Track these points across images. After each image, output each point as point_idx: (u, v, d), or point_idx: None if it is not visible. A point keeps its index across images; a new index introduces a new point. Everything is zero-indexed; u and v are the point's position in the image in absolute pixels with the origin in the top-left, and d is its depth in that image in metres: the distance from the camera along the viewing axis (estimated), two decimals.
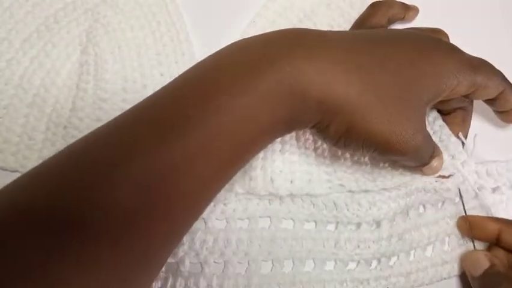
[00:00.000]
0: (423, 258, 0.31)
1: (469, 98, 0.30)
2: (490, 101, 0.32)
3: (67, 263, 0.19)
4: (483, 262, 0.29)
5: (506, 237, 0.29)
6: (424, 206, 0.32)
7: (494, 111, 0.33)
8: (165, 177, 0.21)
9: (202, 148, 0.22)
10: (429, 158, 0.29)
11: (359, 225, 0.31)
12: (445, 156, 0.31)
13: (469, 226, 0.30)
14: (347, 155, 0.32)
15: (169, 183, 0.21)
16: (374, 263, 0.31)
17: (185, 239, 0.31)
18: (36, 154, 0.32)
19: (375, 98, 0.25)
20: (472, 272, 0.29)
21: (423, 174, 0.31)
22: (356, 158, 0.32)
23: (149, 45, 0.35)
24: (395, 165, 0.32)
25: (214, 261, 0.31)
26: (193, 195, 0.23)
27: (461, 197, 0.31)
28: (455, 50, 0.29)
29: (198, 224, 0.32)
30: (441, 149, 0.31)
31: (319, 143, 0.33)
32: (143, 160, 0.21)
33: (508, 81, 0.30)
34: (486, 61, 0.29)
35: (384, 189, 0.31)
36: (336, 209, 0.30)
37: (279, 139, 0.31)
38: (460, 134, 0.32)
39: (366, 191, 0.31)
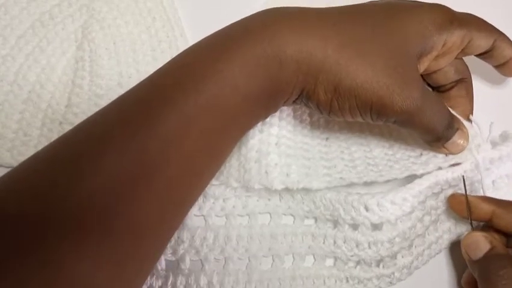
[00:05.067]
0: (422, 243, 0.31)
1: (465, 53, 0.30)
2: (486, 56, 0.31)
3: (59, 243, 0.19)
4: (483, 244, 0.27)
5: (498, 221, 0.28)
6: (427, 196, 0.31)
7: (494, 67, 0.32)
8: (149, 152, 0.22)
9: (187, 119, 0.22)
10: (446, 129, 0.27)
11: (355, 226, 0.30)
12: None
13: (468, 206, 0.29)
14: (353, 148, 0.32)
15: (153, 156, 0.22)
16: (376, 263, 0.30)
17: (185, 236, 0.31)
18: (32, 150, 0.32)
19: (356, 50, 0.25)
20: (471, 255, 0.27)
21: (450, 153, 0.29)
22: (358, 154, 0.31)
23: (144, 41, 0.35)
24: (405, 152, 0.31)
25: (215, 258, 0.31)
26: (177, 166, 0.22)
27: (464, 181, 0.29)
28: (442, 5, 0.28)
29: (198, 222, 0.31)
30: None
31: (318, 140, 0.32)
32: (127, 144, 0.21)
33: (498, 30, 0.30)
34: (473, 14, 0.29)
35: (384, 193, 0.29)
36: (333, 208, 0.30)
37: (276, 132, 0.31)
38: (471, 116, 0.31)
39: (364, 189, 0.30)
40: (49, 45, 0.34)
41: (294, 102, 0.27)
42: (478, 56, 0.31)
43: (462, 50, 0.29)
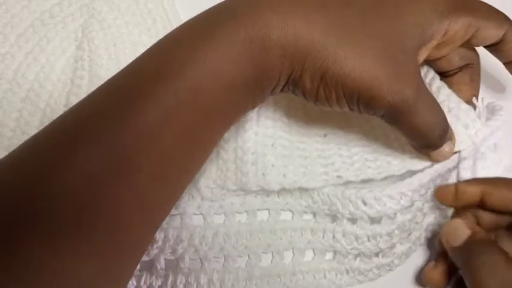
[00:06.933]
0: (419, 227, 0.31)
1: (471, 44, 0.28)
2: (494, 49, 0.29)
3: (32, 237, 0.19)
4: (463, 231, 0.26)
5: (489, 199, 0.27)
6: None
7: (504, 64, 0.30)
8: (128, 144, 0.21)
9: (166, 111, 0.21)
10: (441, 138, 0.26)
11: (354, 220, 0.30)
12: (458, 127, 0.28)
13: (456, 194, 0.28)
14: (351, 143, 0.31)
15: (132, 151, 0.21)
16: (375, 254, 0.30)
17: (184, 235, 0.30)
18: None
19: (344, 35, 0.23)
20: (452, 242, 0.26)
21: (432, 160, 0.28)
22: (356, 150, 0.31)
23: (144, 42, 0.35)
24: (403, 146, 0.30)
25: (214, 256, 0.30)
26: (158, 162, 0.21)
27: (458, 163, 0.29)
28: None
29: (197, 220, 0.31)
30: (452, 119, 0.28)
31: (316, 137, 0.32)
32: (103, 137, 0.21)
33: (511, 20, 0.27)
34: (483, 1, 0.27)
35: (382, 187, 0.29)
36: (331, 203, 0.30)
37: (271, 133, 0.31)
38: (474, 99, 0.29)
39: (362, 184, 0.30)
40: (49, 44, 0.34)
41: (281, 90, 0.25)
42: (486, 48, 0.29)
43: (468, 40, 0.27)
